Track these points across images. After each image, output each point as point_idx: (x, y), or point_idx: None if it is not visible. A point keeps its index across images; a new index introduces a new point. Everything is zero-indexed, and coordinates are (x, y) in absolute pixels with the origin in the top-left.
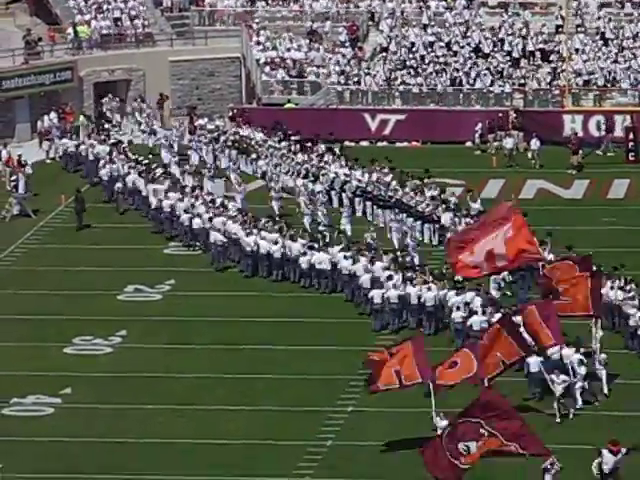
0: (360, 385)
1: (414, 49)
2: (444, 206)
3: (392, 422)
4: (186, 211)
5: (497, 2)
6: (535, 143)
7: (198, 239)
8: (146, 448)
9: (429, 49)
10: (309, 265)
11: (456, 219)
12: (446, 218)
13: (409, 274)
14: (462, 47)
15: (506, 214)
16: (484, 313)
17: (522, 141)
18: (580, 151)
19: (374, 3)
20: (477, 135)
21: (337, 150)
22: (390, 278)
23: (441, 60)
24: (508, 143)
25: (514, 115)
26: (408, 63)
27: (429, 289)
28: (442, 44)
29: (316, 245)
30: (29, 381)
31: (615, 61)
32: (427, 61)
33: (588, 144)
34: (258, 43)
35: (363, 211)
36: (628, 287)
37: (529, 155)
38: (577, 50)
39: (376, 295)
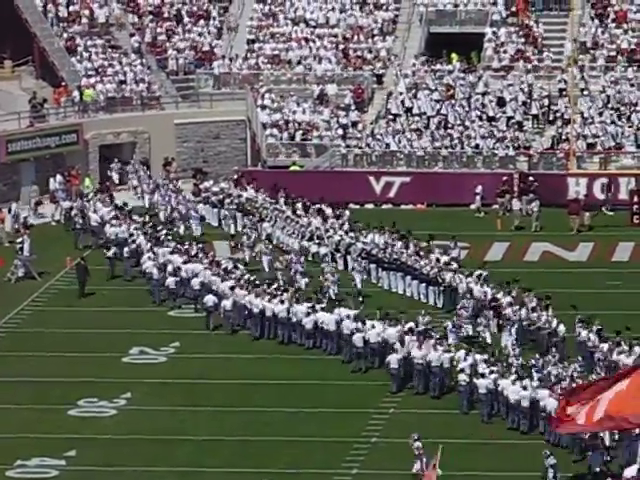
0: (364, 447)
1: (418, 112)
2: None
3: None
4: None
5: (501, 66)
6: (535, 205)
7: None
8: None
9: (434, 112)
10: (314, 325)
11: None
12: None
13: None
14: (467, 111)
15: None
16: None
17: (530, 204)
18: (587, 213)
19: (379, 66)
20: (478, 197)
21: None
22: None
23: (446, 123)
24: (515, 206)
25: (523, 178)
26: (413, 126)
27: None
28: (447, 107)
29: (319, 306)
30: (33, 443)
31: (619, 124)
32: (432, 124)
33: (591, 206)
34: (263, 106)
35: (367, 273)
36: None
37: (532, 218)
38: (581, 113)
39: (392, 360)
